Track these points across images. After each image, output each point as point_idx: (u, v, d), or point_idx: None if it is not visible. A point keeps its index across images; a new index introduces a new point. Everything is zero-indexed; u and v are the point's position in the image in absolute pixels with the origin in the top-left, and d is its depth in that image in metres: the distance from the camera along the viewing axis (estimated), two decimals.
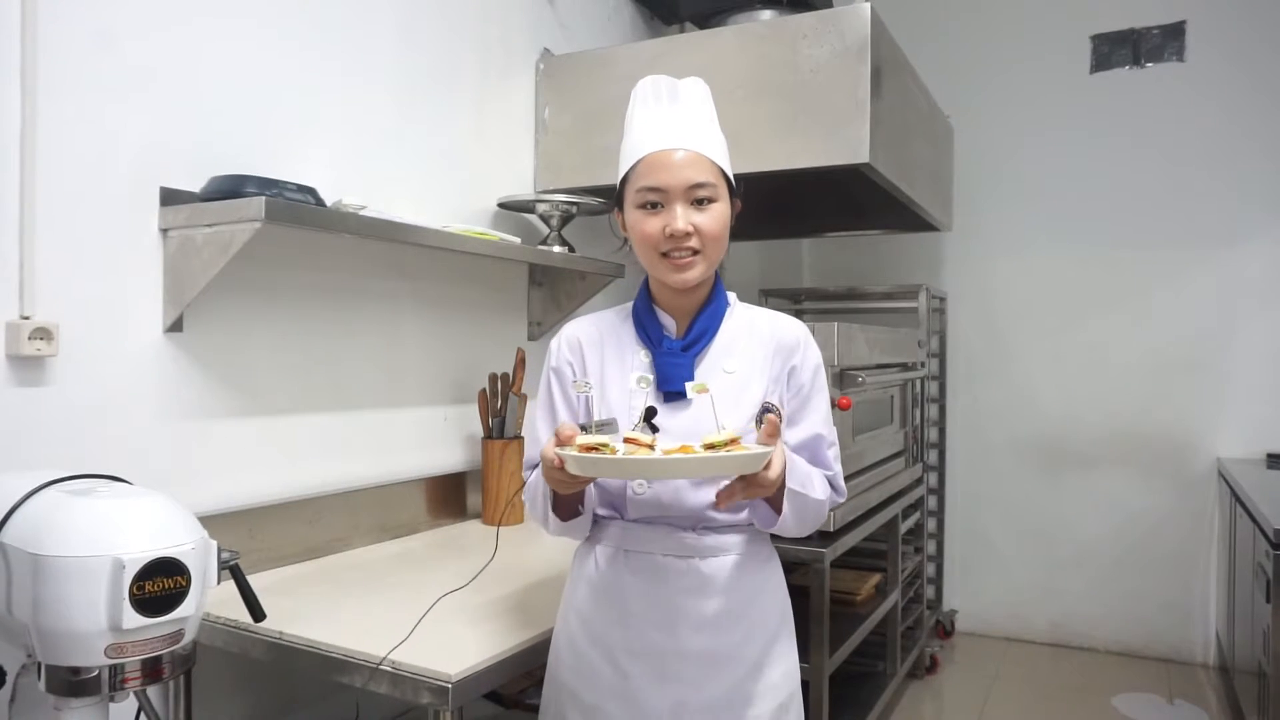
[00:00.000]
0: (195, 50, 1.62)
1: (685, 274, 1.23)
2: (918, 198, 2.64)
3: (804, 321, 1.39)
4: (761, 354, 1.29)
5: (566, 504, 1.24)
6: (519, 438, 2.21)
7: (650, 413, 1.19)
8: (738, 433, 1.09)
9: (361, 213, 1.69)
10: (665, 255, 1.22)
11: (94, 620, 0.99)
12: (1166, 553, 3.62)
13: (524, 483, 1.34)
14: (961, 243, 3.94)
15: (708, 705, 1.23)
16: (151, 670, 1.05)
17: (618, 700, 1.24)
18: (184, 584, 1.04)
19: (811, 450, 1.30)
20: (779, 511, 1.20)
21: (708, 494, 1.22)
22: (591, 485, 1.21)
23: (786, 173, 2.14)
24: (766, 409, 1.24)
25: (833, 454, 1.32)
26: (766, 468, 1.06)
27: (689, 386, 1.16)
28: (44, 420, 1.41)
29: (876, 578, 2.95)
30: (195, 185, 1.59)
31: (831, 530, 2.28)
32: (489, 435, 2.20)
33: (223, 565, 1.14)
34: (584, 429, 1.17)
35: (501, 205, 2.36)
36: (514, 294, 2.51)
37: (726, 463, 1.05)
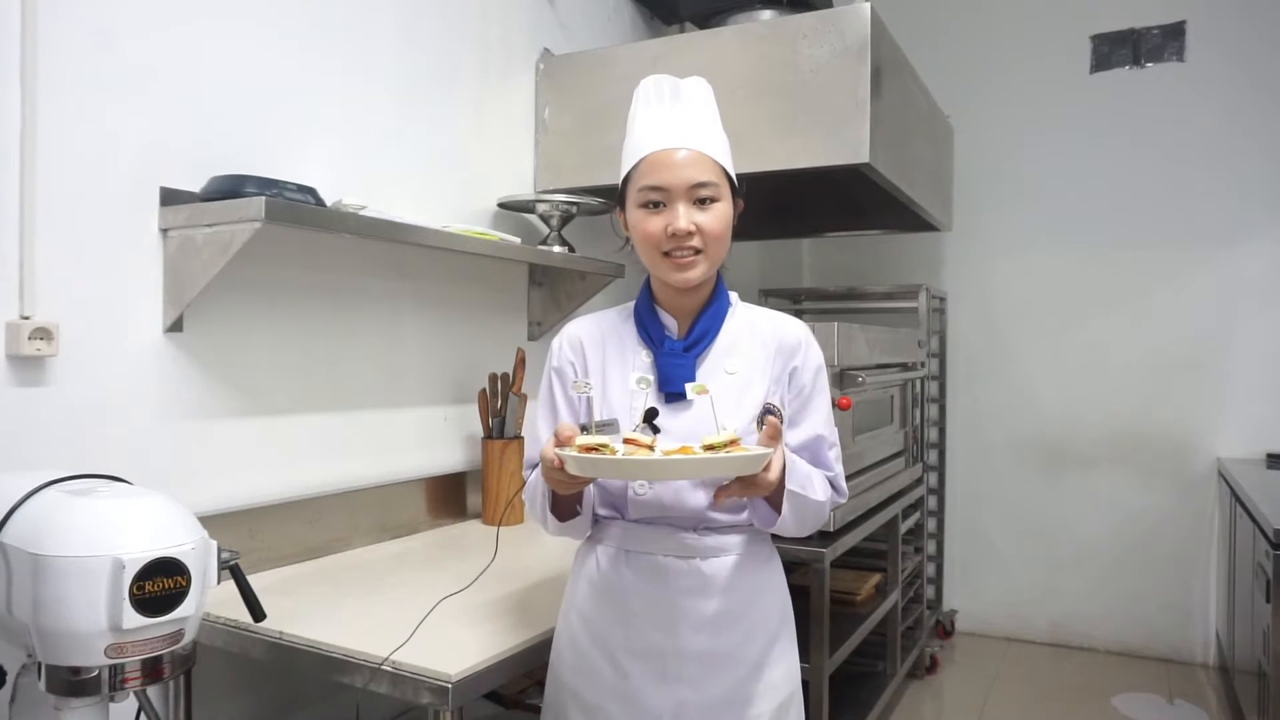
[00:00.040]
0: (195, 50, 1.62)
1: (687, 273, 1.23)
2: (918, 198, 2.64)
3: (804, 321, 1.39)
4: (763, 355, 1.29)
5: (565, 504, 1.24)
6: (519, 438, 2.21)
7: (651, 414, 1.19)
8: (738, 433, 1.09)
9: (361, 213, 1.69)
10: (667, 255, 1.22)
11: (94, 620, 0.99)
12: (1166, 553, 3.62)
13: (524, 482, 1.34)
14: (961, 243, 3.94)
15: (708, 705, 1.23)
16: (151, 670, 1.05)
17: (619, 700, 1.24)
18: (184, 584, 1.04)
19: (812, 451, 1.30)
20: (779, 511, 1.20)
21: (709, 495, 1.22)
22: (590, 486, 1.21)
23: (786, 173, 2.14)
24: (768, 410, 1.24)
25: (834, 455, 1.32)
26: (766, 469, 1.07)
27: (689, 387, 1.16)
28: (44, 420, 1.41)
29: (876, 578, 2.95)
30: (195, 185, 1.59)
31: (831, 530, 2.28)
32: (489, 435, 2.20)
33: (223, 565, 1.14)
34: (584, 429, 1.17)
35: (501, 205, 2.36)
36: (514, 294, 2.51)
37: (725, 464, 1.05)
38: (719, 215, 1.23)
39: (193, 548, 1.06)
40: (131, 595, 0.99)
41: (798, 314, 1.38)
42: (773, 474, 1.08)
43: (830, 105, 2.08)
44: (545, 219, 2.38)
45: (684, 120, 1.25)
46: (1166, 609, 3.63)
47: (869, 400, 2.68)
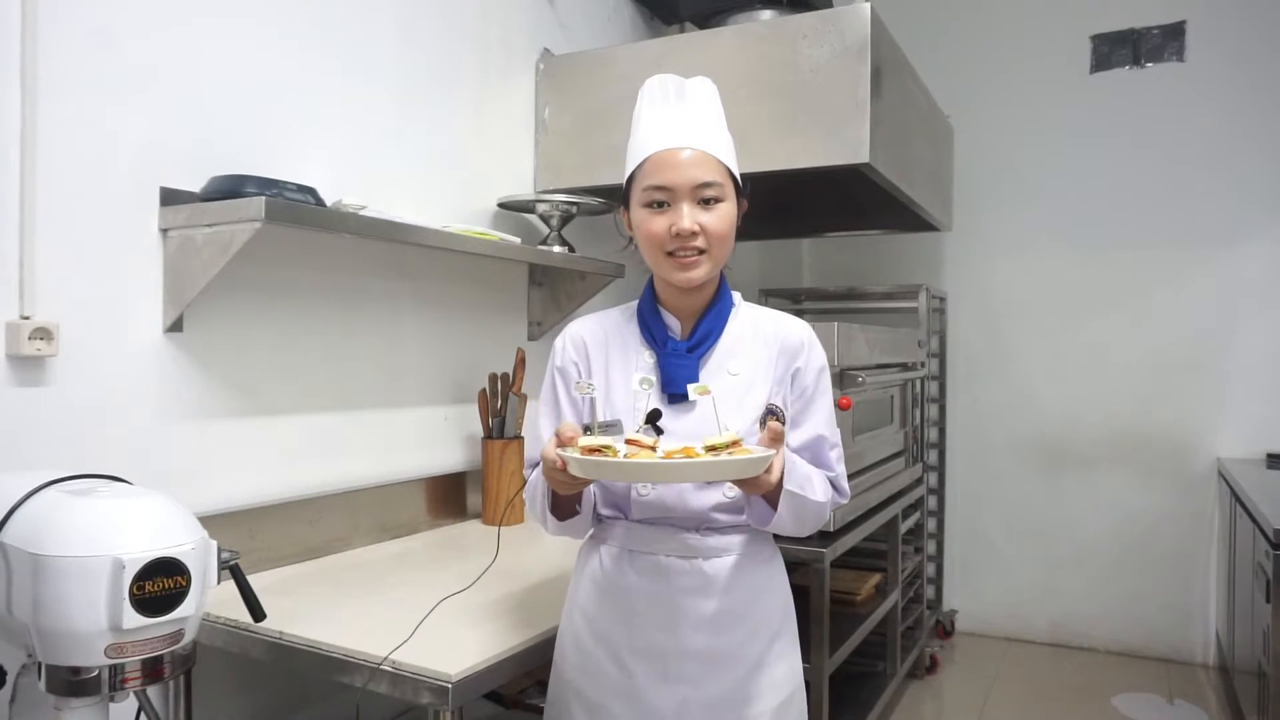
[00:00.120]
0: (195, 50, 1.62)
1: (690, 273, 1.22)
2: (918, 198, 2.64)
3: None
4: (766, 355, 1.29)
5: (565, 504, 1.24)
6: (519, 438, 2.21)
7: (654, 415, 1.19)
8: (741, 434, 1.09)
9: (361, 213, 1.69)
10: (671, 254, 1.22)
11: (94, 620, 0.99)
12: (1166, 552, 3.62)
13: (524, 482, 1.34)
14: (961, 243, 3.94)
15: (710, 703, 1.23)
16: (151, 670, 1.05)
17: (622, 699, 1.24)
18: (184, 584, 1.04)
19: (814, 451, 1.30)
20: (776, 510, 1.20)
21: (711, 496, 1.23)
22: (591, 486, 1.21)
23: (787, 173, 2.14)
24: (771, 411, 1.23)
25: (835, 455, 1.32)
26: (766, 470, 1.06)
27: (691, 388, 1.16)
28: (44, 420, 1.41)
29: (876, 578, 2.95)
30: (195, 185, 1.59)
31: (831, 530, 2.28)
32: (489, 435, 2.20)
33: (223, 565, 1.14)
34: (588, 429, 1.17)
35: (501, 205, 2.36)
36: (514, 294, 2.51)
37: (726, 467, 1.05)
38: (723, 215, 1.22)
39: (193, 548, 1.06)
40: (131, 595, 0.99)
41: (798, 314, 1.37)
42: (773, 475, 1.08)
43: (830, 105, 2.08)
44: (545, 219, 2.38)
45: (689, 120, 1.25)
46: (1166, 609, 3.63)
47: (869, 400, 2.68)
